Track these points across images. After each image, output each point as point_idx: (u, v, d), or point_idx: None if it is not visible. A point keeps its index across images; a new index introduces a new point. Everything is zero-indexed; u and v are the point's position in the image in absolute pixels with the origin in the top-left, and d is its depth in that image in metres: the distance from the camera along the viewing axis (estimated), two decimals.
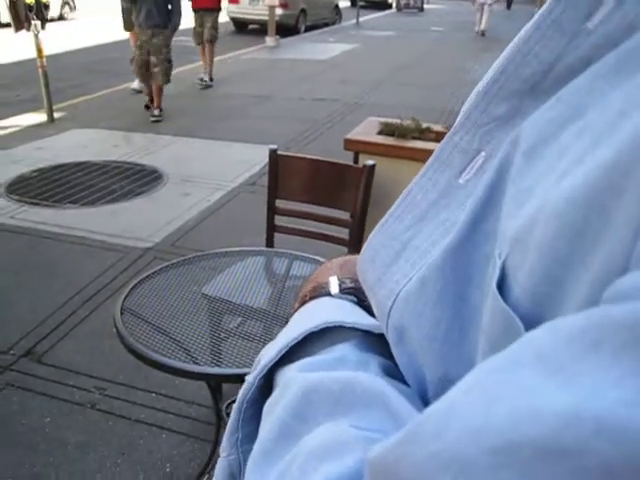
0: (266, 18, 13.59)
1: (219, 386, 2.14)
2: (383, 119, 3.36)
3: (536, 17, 0.41)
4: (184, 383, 2.65)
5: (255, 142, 6.14)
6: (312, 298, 0.56)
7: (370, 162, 2.42)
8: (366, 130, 3.31)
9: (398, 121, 3.23)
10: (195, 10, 8.65)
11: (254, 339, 1.88)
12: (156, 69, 6.82)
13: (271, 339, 0.52)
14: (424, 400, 0.42)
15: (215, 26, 8.67)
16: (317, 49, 13.29)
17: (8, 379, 2.70)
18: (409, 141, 3.10)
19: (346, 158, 2.85)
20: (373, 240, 0.48)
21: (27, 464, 2.28)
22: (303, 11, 16.25)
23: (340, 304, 0.54)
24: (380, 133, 3.22)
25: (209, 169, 5.45)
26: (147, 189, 4.97)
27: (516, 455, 0.21)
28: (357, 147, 3.13)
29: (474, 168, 0.41)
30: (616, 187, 0.26)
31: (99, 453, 2.34)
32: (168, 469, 2.27)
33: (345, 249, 2.56)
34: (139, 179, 5.16)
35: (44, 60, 6.47)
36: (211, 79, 9.03)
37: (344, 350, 0.47)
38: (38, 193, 4.79)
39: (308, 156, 2.66)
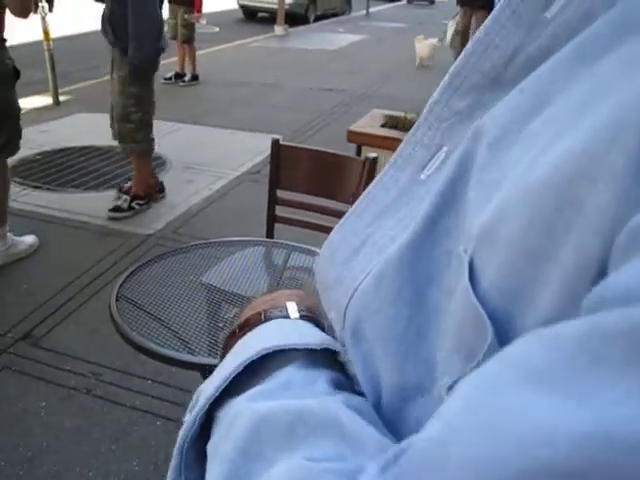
0: (275, 7, 13.53)
1: None
2: (388, 111, 3.35)
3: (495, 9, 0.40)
4: (180, 371, 2.64)
5: (260, 131, 6.10)
6: (267, 319, 0.51)
7: (372, 155, 2.41)
8: (370, 122, 3.30)
9: (402, 114, 3.22)
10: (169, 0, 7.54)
11: None
12: (123, 126, 3.92)
13: None
14: (378, 406, 0.40)
15: (184, 23, 7.50)
16: (326, 39, 13.23)
17: (5, 362, 2.70)
18: None
19: (350, 150, 2.84)
20: (332, 238, 0.47)
21: (21, 447, 2.28)
22: (313, 0, 16.17)
23: (285, 324, 0.50)
24: (384, 125, 3.21)
25: (213, 157, 5.44)
26: None
27: None
28: (360, 139, 3.13)
29: (436, 163, 0.41)
30: (587, 175, 0.25)
31: (93, 438, 2.35)
32: (162, 456, 2.27)
33: None
34: None
35: (51, 43, 6.44)
36: (195, 77, 8.20)
37: (289, 373, 0.43)
38: (41, 176, 4.79)
39: (310, 147, 2.65)
